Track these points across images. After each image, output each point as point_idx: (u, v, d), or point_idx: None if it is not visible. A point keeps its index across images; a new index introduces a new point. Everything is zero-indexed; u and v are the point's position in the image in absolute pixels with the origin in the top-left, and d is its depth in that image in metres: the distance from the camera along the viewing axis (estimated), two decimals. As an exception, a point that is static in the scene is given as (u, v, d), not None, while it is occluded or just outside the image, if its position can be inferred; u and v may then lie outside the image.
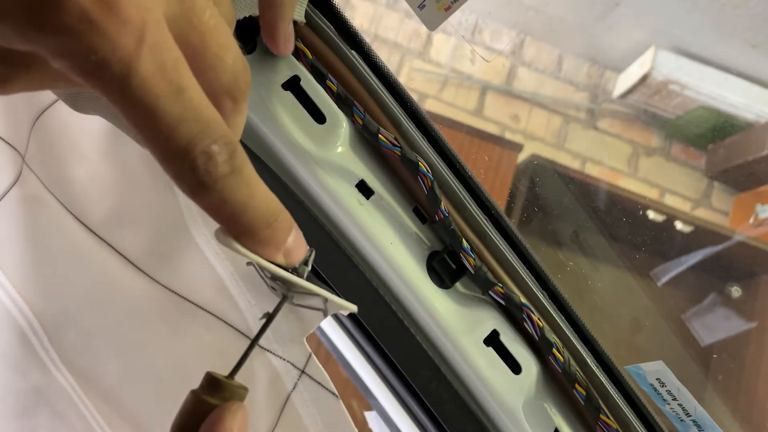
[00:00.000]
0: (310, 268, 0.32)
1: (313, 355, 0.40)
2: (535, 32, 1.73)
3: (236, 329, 0.42)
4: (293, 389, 0.41)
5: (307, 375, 0.41)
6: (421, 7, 0.34)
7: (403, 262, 0.44)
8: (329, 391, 0.41)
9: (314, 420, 0.41)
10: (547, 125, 1.68)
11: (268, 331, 0.41)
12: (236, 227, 0.24)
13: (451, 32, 1.66)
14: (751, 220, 1.35)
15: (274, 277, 0.31)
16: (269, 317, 0.32)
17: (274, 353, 0.41)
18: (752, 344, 1.25)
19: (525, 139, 1.66)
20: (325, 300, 0.32)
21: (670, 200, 1.57)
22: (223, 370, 0.41)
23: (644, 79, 1.54)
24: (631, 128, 1.66)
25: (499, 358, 0.45)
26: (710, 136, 1.50)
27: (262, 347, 0.42)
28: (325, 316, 0.35)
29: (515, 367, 0.45)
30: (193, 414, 0.26)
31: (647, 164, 1.61)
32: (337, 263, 0.42)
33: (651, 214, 1.46)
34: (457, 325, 0.44)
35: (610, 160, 1.65)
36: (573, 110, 1.70)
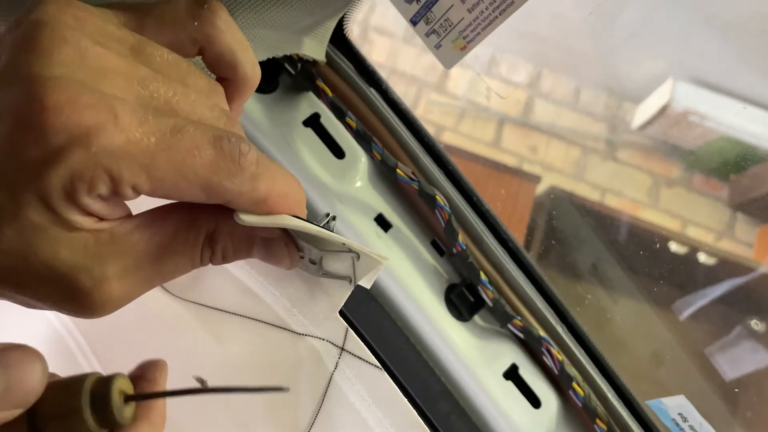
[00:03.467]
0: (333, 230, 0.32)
1: (350, 330, 0.39)
2: (553, 64, 1.74)
3: (268, 323, 0.42)
4: (335, 369, 0.40)
5: (348, 351, 0.40)
6: (438, 47, 0.35)
7: (421, 294, 0.45)
8: (372, 364, 0.39)
9: (360, 396, 0.40)
10: (566, 156, 1.68)
11: (301, 316, 0.41)
12: (284, 195, 0.26)
13: (468, 65, 1.68)
14: (776, 252, 1.33)
15: (302, 237, 0.31)
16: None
17: (312, 336, 0.40)
18: (779, 379, 1.21)
19: (543, 171, 1.66)
20: (356, 258, 0.31)
21: (693, 232, 1.55)
22: (267, 364, 0.42)
23: (663, 110, 1.53)
24: (651, 159, 1.65)
25: (519, 392, 0.44)
26: (732, 167, 1.48)
27: (300, 333, 0.41)
28: (352, 283, 0.33)
29: (535, 402, 0.45)
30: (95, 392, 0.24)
31: (668, 195, 1.59)
32: (354, 296, 0.42)
33: (673, 246, 1.44)
34: (476, 358, 0.44)
35: (630, 192, 1.64)
36: (591, 141, 1.70)
